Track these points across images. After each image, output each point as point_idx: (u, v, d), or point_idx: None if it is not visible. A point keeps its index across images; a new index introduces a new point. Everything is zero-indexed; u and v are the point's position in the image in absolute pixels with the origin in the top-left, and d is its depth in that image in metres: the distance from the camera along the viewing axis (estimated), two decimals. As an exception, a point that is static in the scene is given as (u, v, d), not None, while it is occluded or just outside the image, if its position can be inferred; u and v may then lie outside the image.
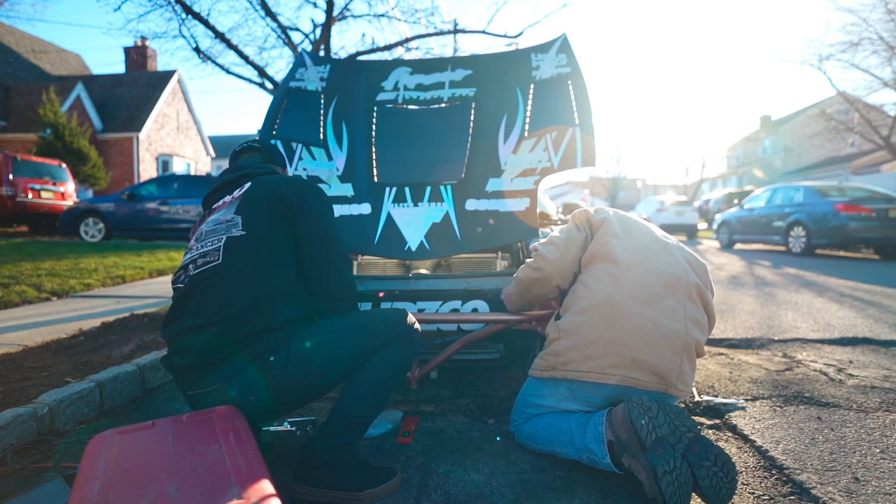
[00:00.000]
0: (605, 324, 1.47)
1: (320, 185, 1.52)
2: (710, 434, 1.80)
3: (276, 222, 1.40)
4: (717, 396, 2.15)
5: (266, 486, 0.96)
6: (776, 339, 3.16)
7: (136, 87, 20.88)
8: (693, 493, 1.29)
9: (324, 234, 1.44)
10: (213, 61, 8.80)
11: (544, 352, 1.59)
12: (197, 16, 8.06)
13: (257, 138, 1.72)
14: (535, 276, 1.69)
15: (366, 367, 1.39)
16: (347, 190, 2.30)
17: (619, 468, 1.40)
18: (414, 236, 2.12)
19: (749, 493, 1.41)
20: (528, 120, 2.32)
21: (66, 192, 10.90)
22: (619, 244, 1.59)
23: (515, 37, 9.53)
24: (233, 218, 1.40)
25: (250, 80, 9.11)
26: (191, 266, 1.38)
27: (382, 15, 9.71)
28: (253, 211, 1.40)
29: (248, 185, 1.49)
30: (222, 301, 1.30)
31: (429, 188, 2.25)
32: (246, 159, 1.65)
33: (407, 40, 9.60)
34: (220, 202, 1.51)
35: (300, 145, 2.40)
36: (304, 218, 1.41)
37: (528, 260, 1.75)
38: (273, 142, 2.39)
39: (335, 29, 9.05)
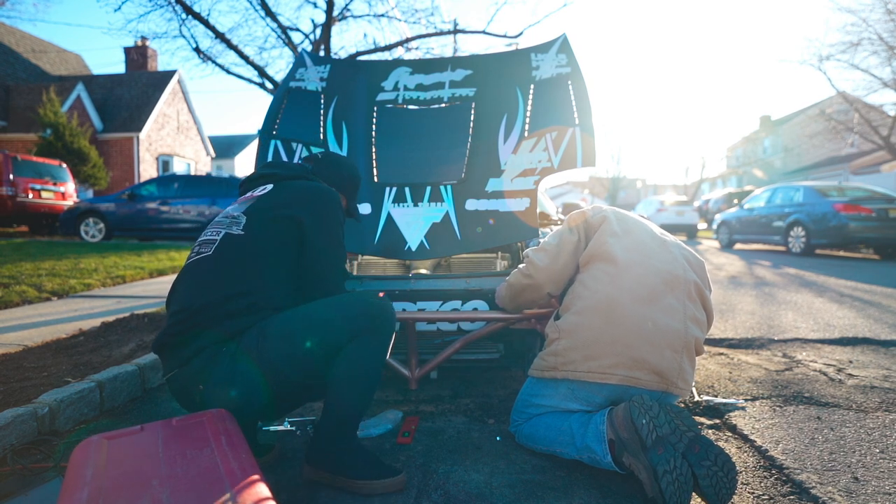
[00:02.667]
0: (604, 323, 1.47)
1: (334, 197, 1.54)
2: (709, 434, 1.80)
3: (280, 233, 1.43)
4: (716, 396, 2.15)
5: (262, 490, 0.95)
6: (776, 339, 3.16)
7: (137, 87, 20.87)
8: (693, 493, 1.29)
9: (329, 249, 1.48)
10: (214, 61, 8.82)
11: (544, 352, 1.59)
12: (197, 16, 8.06)
13: (319, 153, 1.78)
14: (526, 283, 1.69)
15: (338, 366, 1.35)
16: None
17: (620, 467, 1.40)
18: (414, 236, 2.12)
19: (749, 492, 1.41)
20: (528, 120, 2.32)
21: (66, 192, 10.89)
22: (617, 244, 1.59)
23: (515, 37, 9.55)
24: (238, 216, 1.45)
25: (250, 81, 9.12)
26: (193, 252, 1.46)
27: (382, 15, 9.73)
28: (260, 217, 1.44)
29: (269, 187, 1.53)
30: (197, 291, 1.36)
31: (429, 188, 2.25)
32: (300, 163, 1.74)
33: (407, 40, 9.61)
34: (249, 194, 1.58)
35: (300, 145, 2.40)
36: (313, 233, 1.45)
37: (520, 265, 1.75)
38: (274, 142, 2.39)
39: (335, 29, 9.06)
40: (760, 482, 1.47)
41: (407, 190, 2.26)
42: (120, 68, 32.57)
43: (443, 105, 2.53)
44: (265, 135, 2.42)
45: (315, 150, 2.41)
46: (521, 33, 9.52)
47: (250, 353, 1.29)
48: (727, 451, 1.57)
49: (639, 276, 1.51)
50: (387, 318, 1.41)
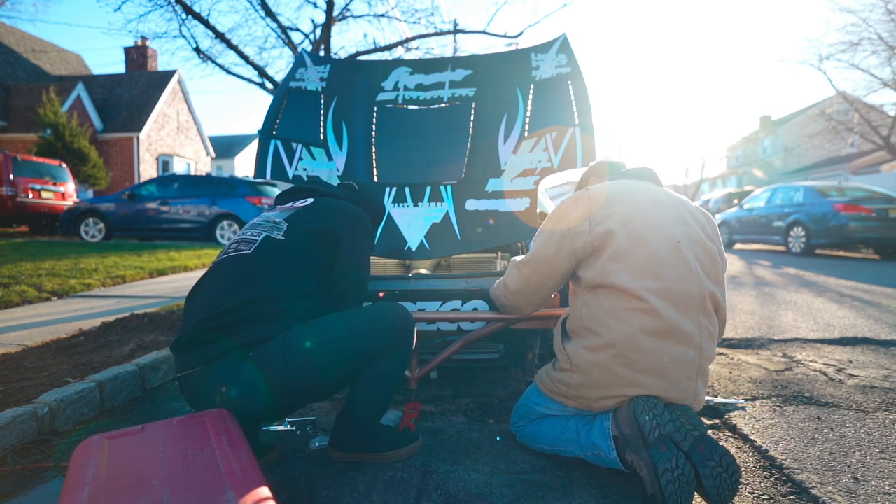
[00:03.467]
0: (620, 366, 1.40)
1: (370, 221, 1.66)
2: (709, 434, 1.80)
3: (318, 245, 1.49)
4: (716, 396, 2.15)
5: (262, 490, 0.95)
6: (776, 339, 3.16)
7: (137, 87, 20.88)
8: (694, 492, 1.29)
9: (358, 263, 1.57)
10: (214, 61, 8.83)
11: (553, 374, 1.55)
12: (197, 16, 8.07)
13: (356, 184, 1.87)
14: (507, 304, 1.71)
15: (365, 378, 1.47)
16: None
17: (624, 465, 1.40)
18: (414, 236, 2.12)
19: (749, 492, 1.41)
20: (528, 120, 2.32)
21: (66, 192, 10.89)
22: (624, 272, 1.40)
23: (515, 37, 9.56)
24: (280, 222, 1.51)
25: (250, 81, 9.14)
26: (229, 249, 1.49)
27: (382, 15, 9.74)
28: (301, 226, 1.50)
29: (310, 200, 1.61)
30: (232, 288, 1.38)
31: (429, 188, 2.25)
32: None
33: (407, 40, 9.62)
34: (289, 204, 1.64)
35: (300, 145, 2.40)
36: (347, 250, 1.53)
37: (504, 276, 1.73)
38: (274, 142, 2.39)
39: (335, 29, 9.07)
40: (760, 482, 1.47)
41: (407, 190, 2.27)
42: (120, 68, 32.58)
43: (443, 105, 2.53)
44: (265, 135, 2.42)
45: (315, 150, 2.41)
46: (521, 33, 9.54)
47: (275, 360, 1.32)
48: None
49: (653, 308, 1.38)
50: (410, 330, 1.51)
